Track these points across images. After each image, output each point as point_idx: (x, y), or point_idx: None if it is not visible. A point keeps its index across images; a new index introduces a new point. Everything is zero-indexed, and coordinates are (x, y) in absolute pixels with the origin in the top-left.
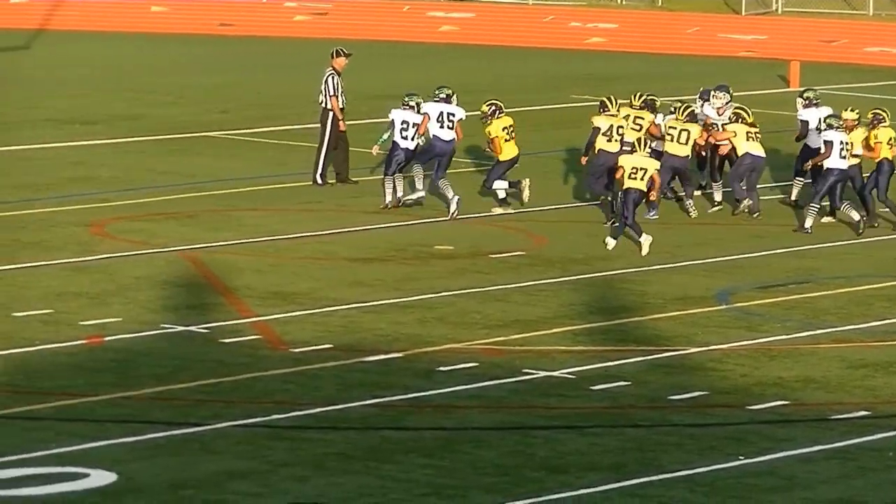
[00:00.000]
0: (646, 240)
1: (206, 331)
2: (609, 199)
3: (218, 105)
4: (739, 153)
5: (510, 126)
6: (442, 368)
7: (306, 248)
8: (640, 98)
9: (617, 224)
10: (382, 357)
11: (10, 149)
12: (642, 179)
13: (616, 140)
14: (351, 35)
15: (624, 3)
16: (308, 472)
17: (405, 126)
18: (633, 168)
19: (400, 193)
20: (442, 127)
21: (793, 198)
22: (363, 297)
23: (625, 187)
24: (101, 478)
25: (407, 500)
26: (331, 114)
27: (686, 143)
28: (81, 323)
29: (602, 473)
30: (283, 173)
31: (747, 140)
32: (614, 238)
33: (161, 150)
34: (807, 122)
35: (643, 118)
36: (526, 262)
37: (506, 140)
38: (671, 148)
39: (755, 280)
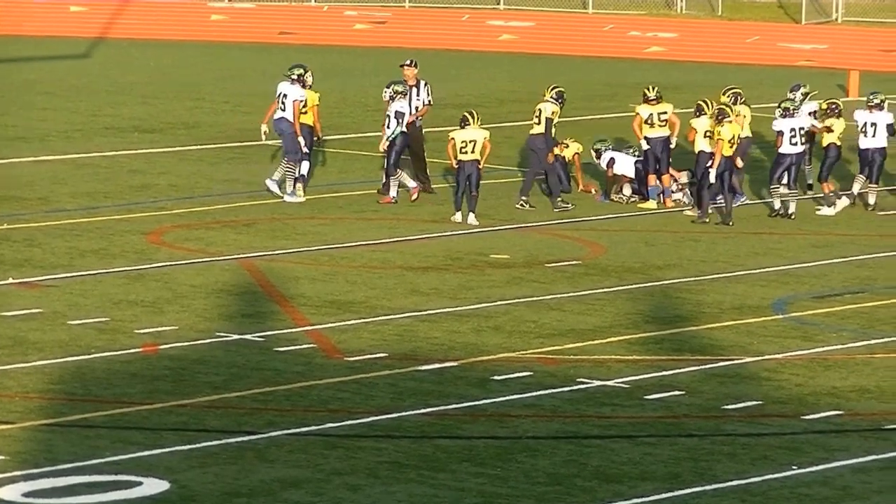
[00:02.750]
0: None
1: (261, 339)
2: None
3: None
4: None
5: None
6: (496, 377)
7: (362, 257)
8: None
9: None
10: (437, 366)
11: (71, 157)
12: (473, 152)
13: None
14: (410, 44)
15: (684, 12)
16: (361, 481)
17: (400, 118)
18: (462, 142)
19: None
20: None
21: (870, 202)
22: (418, 306)
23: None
24: (154, 486)
25: None
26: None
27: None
28: (137, 331)
29: (655, 483)
30: (340, 182)
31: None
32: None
33: (219, 159)
34: (874, 125)
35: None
36: (581, 270)
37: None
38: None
39: (811, 290)
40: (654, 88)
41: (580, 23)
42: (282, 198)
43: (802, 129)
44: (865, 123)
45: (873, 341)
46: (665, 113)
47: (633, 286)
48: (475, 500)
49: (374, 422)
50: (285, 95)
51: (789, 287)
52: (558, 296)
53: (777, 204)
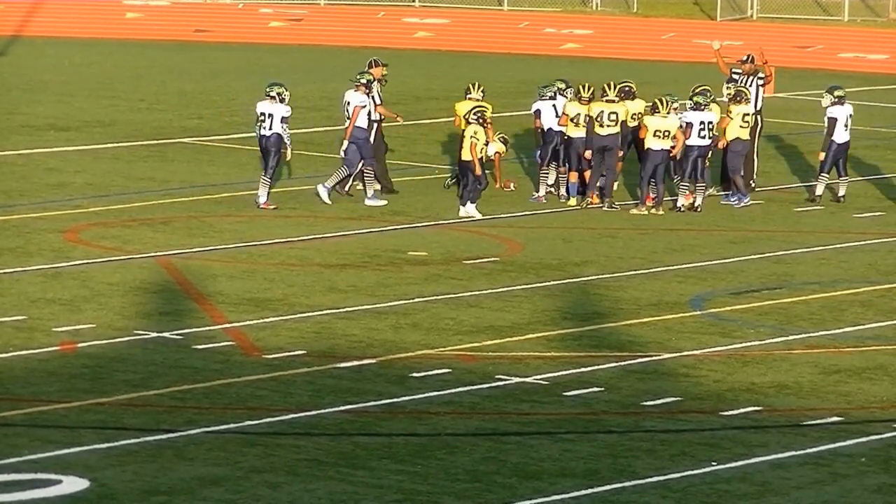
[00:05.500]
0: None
1: (179, 337)
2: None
3: (193, 111)
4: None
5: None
6: (415, 375)
7: (280, 255)
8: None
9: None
10: (356, 363)
11: None
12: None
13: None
14: (326, 41)
15: (599, 8)
16: (280, 479)
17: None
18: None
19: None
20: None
21: (840, 194)
22: (337, 304)
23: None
24: (73, 484)
25: None
26: (377, 125)
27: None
28: (55, 329)
29: (575, 480)
30: (258, 179)
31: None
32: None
33: (136, 157)
34: (835, 119)
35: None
36: (500, 267)
37: None
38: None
39: (729, 286)
40: (614, 86)
41: (496, 20)
42: (328, 204)
43: (711, 122)
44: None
45: (791, 337)
46: (615, 113)
47: (551, 283)
48: (395, 497)
49: (293, 419)
50: (348, 103)
51: (707, 283)
52: (476, 293)
53: (681, 199)
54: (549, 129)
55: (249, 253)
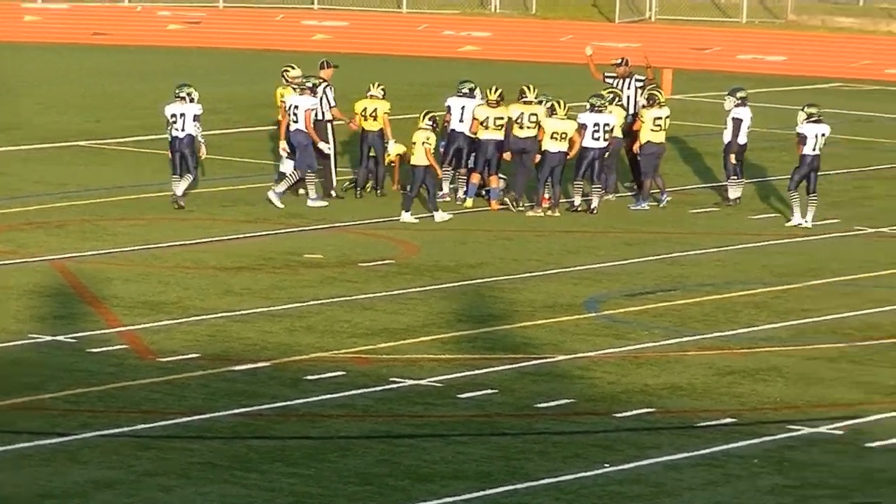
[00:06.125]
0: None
1: (73, 341)
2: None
3: (91, 114)
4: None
5: None
6: (309, 377)
7: (175, 258)
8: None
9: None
10: (250, 366)
11: None
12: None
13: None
14: (225, 44)
15: (498, 11)
16: (174, 482)
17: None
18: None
19: None
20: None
21: (735, 196)
22: (232, 307)
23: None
24: None
25: None
26: (329, 125)
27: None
28: None
29: (467, 482)
30: (153, 182)
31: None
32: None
33: (31, 159)
34: (740, 121)
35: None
36: (395, 270)
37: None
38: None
39: (624, 288)
40: (533, 88)
41: (395, 22)
42: (281, 207)
43: (608, 125)
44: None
45: (685, 339)
46: (535, 115)
47: (447, 285)
48: (287, 499)
49: (187, 422)
50: (296, 107)
51: (602, 285)
52: (371, 295)
53: (577, 200)
54: (453, 129)
55: (144, 256)
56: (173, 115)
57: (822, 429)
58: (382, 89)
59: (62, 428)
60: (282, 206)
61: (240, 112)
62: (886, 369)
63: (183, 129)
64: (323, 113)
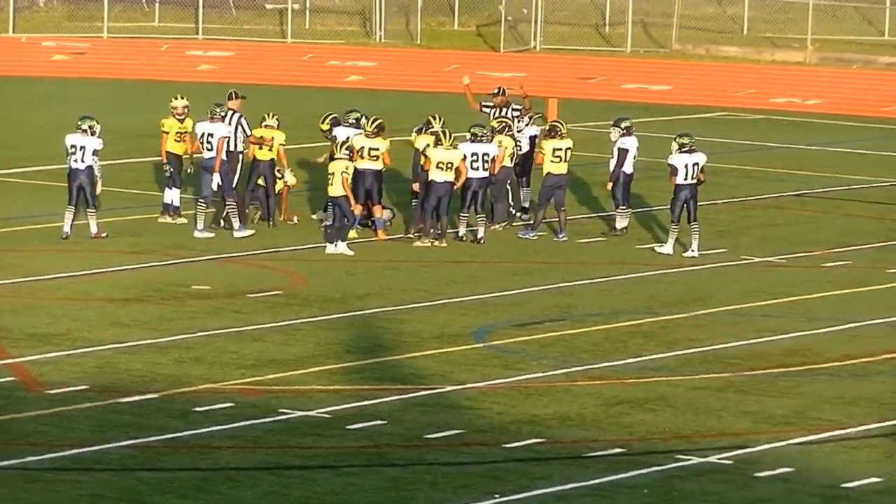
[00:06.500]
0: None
1: None
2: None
3: None
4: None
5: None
6: (198, 409)
7: (62, 289)
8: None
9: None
10: (138, 398)
11: None
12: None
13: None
14: (109, 74)
15: (382, 41)
16: None
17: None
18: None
19: None
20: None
21: (621, 226)
22: (120, 338)
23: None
24: None
25: None
26: (241, 156)
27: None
28: None
29: None
30: (38, 214)
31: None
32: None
33: None
34: (626, 151)
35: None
36: (283, 301)
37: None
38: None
39: (511, 317)
40: (439, 118)
41: (279, 52)
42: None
43: (487, 154)
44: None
45: (574, 369)
46: (377, 149)
47: (335, 316)
48: None
49: (76, 455)
50: (210, 135)
51: (490, 315)
52: (259, 326)
53: (462, 230)
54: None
55: (32, 287)
56: (73, 147)
57: (711, 458)
58: (277, 119)
59: None
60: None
61: (125, 142)
62: (773, 398)
63: (82, 161)
64: (236, 144)
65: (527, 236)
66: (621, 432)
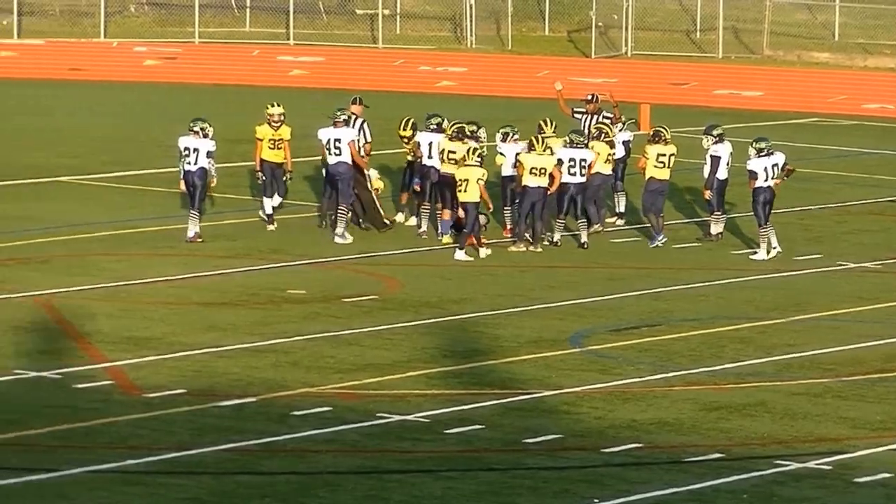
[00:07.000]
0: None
1: (59, 376)
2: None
3: (69, 149)
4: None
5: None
6: (296, 413)
7: (159, 293)
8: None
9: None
10: (236, 402)
11: None
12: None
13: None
14: (201, 79)
15: (474, 46)
16: None
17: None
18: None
19: None
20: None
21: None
22: (217, 342)
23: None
24: None
25: None
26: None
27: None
28: None
29: None
30: (134, 218)
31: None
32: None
33: (11, 196)
34: (718, 158)
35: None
36: (379, 305)
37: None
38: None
39: (608, 323)
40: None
41: (371, 58)
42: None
43: (584, 159)
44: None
45: (671, 374)
46: (454, 152)
47: (431, 320)
48: None
49: (174, 458)
50: (337, 140)
51: (586, 320)
52: (356, 331)
53: (557, 236)
54: (424, 165)
55: (128, 292)
56: (186, 149)
57: (810, 464)
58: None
59: (49, 464)
60: (350, 239)
61: (218, 147)
62: (872, 404)
63: (195, 164)
64: (359, 147)
65: (655, 243)
66: (720, 437)
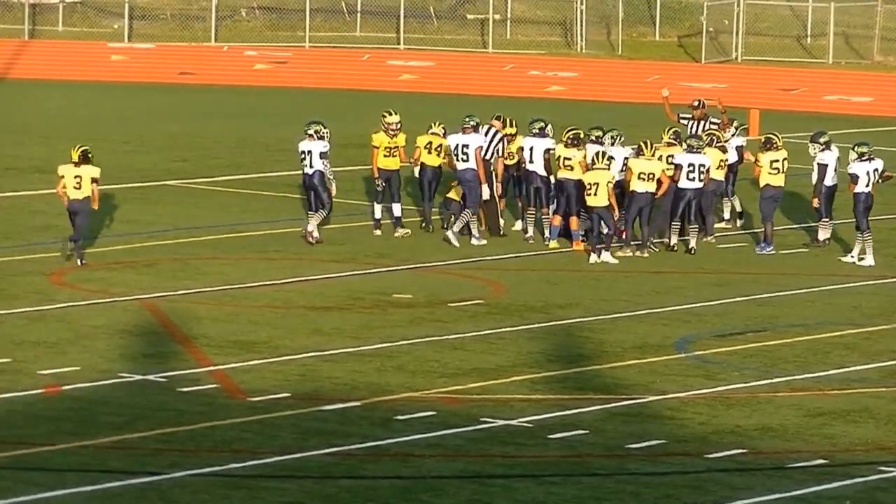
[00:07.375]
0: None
1: (163, 380)
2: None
3: (177, 153)
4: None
5: None
6: (400, 417)
7: (264, 297)
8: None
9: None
10: (340, 406)
11: None
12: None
13: None
14: (311, 84)
15: (584, 51)
16: None
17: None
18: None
19: None
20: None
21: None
22: (321, 346)
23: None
24: None
25: None
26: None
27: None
28: (39, 372)
29: None
30: (242, 222)
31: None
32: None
33: (120, 199)
34: (825, 166)
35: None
36: (484, 310)
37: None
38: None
39: (713, 328)
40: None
41: (481, 62)
42: (455, 245)
43: (703, 166)
44: (827, 166)
45: (776, 380)
46: (569, 159)
47: (536, 325)
48: None
49: (278, 462)
50: (465, 146)
51: (691, 326)
52: (461, 335)
53: (673, 240)
54: (526, 169)
55: (234, 295)
56: (303, 152)
57: None
58: (444, 128)
59: (152, 467)
60: (458, 244)
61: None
62: None
63: (311, 166)
64: (490, 155)
65: (764, 251)
66: (824, 443)
